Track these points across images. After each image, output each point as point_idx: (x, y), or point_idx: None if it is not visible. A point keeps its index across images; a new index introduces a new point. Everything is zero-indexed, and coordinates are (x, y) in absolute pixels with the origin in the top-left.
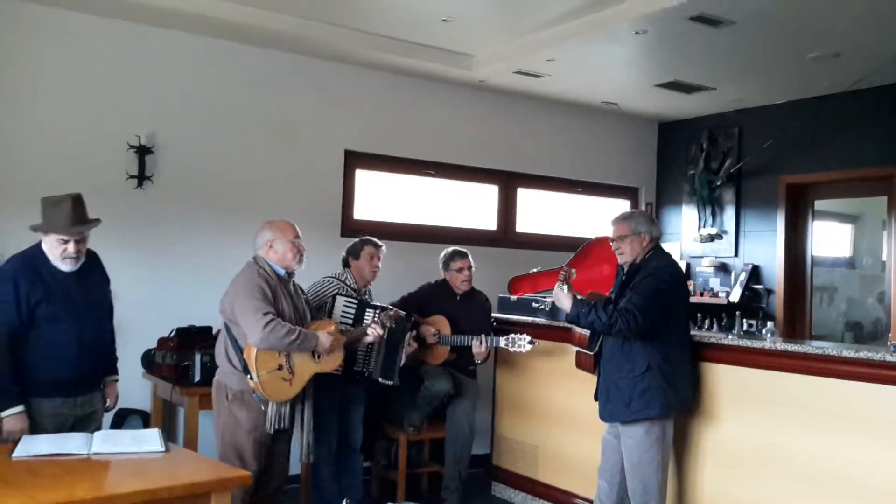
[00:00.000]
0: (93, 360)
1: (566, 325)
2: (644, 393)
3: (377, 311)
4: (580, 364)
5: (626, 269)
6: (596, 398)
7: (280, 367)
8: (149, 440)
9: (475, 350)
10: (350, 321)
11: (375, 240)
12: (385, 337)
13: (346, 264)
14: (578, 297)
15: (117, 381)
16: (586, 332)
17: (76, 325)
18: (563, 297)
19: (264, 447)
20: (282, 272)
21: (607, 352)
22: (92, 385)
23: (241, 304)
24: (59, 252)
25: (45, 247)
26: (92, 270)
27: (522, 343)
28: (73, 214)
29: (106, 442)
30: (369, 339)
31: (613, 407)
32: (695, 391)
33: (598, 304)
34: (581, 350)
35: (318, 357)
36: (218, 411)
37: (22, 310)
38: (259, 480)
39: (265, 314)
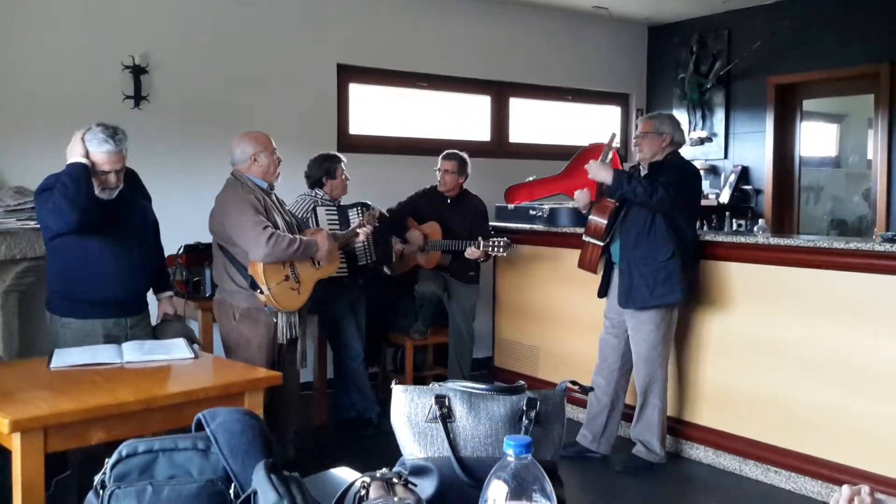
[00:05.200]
0: (139, 280)
1: (583, 217)
2: (668, 279)
3: (359, 208)
4: (584, 263)
5: (643, 169)
6: (601, 295)
7: (287, 278)
8: (177, 348)
9: (467, 254)
10: (337, 227)
11: (337, 154)
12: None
13: (319, 184)
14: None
15: (171, 296)
16: (603, 223)
17: (118, 248)
18: (602, 169)
19: (274, 358)
20: (264, 185)
21: (631, 240)
22: (141, 306)
23: (235, 222)
24: (96, 183)
25: None
26: (128, 190)
27: (499, 246)
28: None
29: (136, 351)
30: (360, 237)
31: (637, 293)
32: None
33: (634, 174)
34: (592, 241)
35: (318, 263)
36: (226, 330)
37: None
38: (273, 389)
39: (265, 228)
